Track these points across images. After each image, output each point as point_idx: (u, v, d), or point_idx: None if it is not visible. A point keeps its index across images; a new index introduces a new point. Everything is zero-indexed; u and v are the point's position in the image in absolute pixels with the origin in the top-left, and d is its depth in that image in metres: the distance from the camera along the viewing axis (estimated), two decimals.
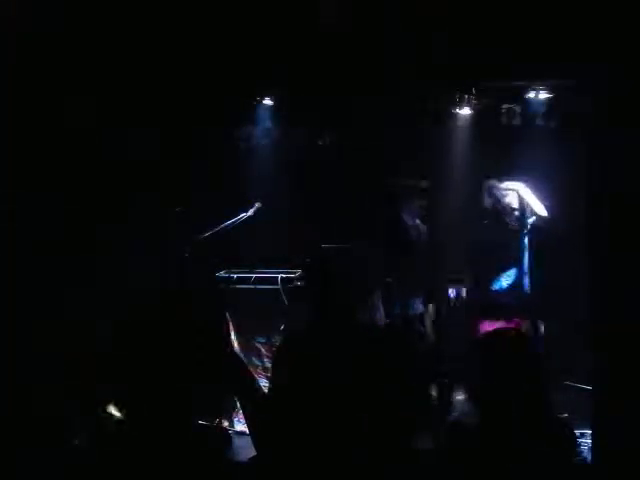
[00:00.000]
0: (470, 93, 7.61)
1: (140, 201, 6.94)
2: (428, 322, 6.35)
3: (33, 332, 5.75)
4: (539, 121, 7.50)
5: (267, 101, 7.86)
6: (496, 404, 2.72)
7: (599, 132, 6.99)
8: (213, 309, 5.96)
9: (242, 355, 5.96)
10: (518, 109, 7.57)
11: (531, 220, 6.23)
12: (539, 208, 6.18)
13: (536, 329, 5.93)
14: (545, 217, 6.13)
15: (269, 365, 5.04)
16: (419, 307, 6.39)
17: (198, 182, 7.38)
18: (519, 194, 6.23)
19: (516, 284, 6.16)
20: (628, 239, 6.81)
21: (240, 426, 5.84)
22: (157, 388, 2.37)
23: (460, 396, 6.04)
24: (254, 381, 2.77)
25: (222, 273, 6.17)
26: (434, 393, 5.91)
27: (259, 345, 5.95)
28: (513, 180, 6.42)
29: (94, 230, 6.59)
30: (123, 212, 6.85)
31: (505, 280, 6.17)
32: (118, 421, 2.44)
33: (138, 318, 2.45)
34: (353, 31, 6.42)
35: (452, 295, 6.74)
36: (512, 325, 5.67)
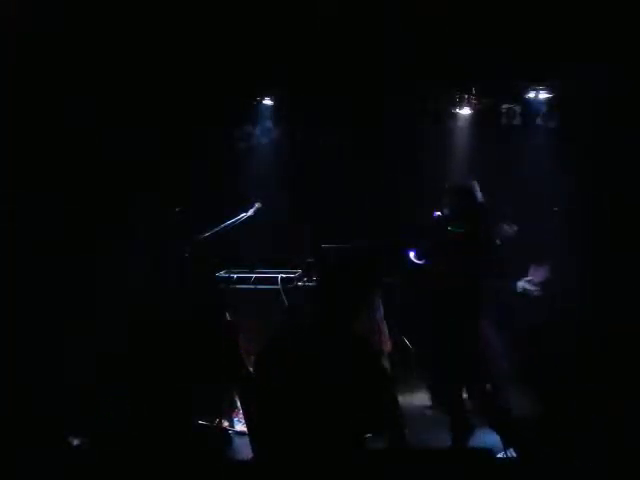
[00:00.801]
0: (470, 93, 7.61)
1: (140, 201, 6.94)
2: None
3: (33, 332, 5.75)
4: (539, 121, 7.51)
5: (267, 101, 7.86)
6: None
7: (599, 132, 7.02)
8: (213, 309, 5.96)
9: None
10: (518, 109, 7.58)
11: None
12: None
13: None
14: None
15: None
16: None
17: (198, 182, 7.38)
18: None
19: None
20: (628, 239, 6.84)
21: (240, 426, 5.84)
22: (158, 388, 2.37)
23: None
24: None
25: (222, 273, 6.17)
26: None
27: None
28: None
29: (94, 230, 6.59)
30: (123, 212, 6.85)
31: None
32: (118, 421, 2.45)
33: (140, 319, 2.46)
34: (353, 31, 6.42)
35: None
36: None
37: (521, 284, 6.16)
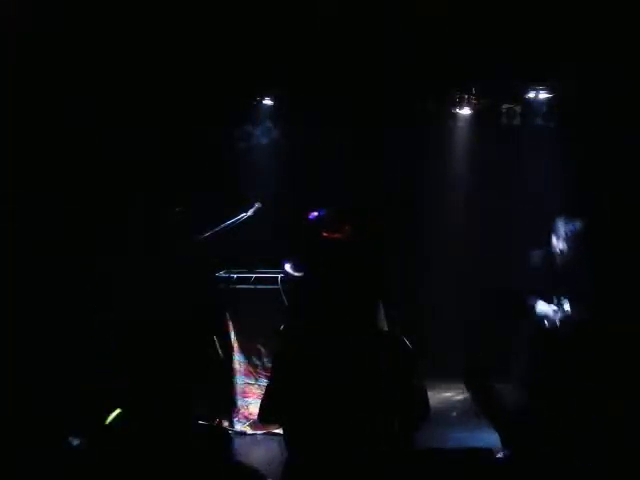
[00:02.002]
0: (470, 93, 7.61)
1: (140, 201, 6.94)
2: None
3: (33, 332, 5.76)
4: (539, 121, 7.51)
5: (267, 101, 7.87)
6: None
7: (599, 132, 7.02)
8: (213, 309, 5.96)
9: (242, 355, 5.97)
10: (518, 109, 7.58)
11: None
12: None
13: None
14: None
15: (269, 365, 5.03)
16: None
17: (198, 182, 7.38)
18: None
19: None
20: (628, 239, 6.84)
21: (240, 426, 5.84)
22: (157, 389, 2.37)
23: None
24: None
25: (222, 273, 6.17)
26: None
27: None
28: None
29: (94, 230, 6.59)
30: (123, 212, 6.85)
31: None
32: (118, 421, 2.44)
33: (139, 319, 2.45)
34: (353, 31, 6.42)
35: None
36: None
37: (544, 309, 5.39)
